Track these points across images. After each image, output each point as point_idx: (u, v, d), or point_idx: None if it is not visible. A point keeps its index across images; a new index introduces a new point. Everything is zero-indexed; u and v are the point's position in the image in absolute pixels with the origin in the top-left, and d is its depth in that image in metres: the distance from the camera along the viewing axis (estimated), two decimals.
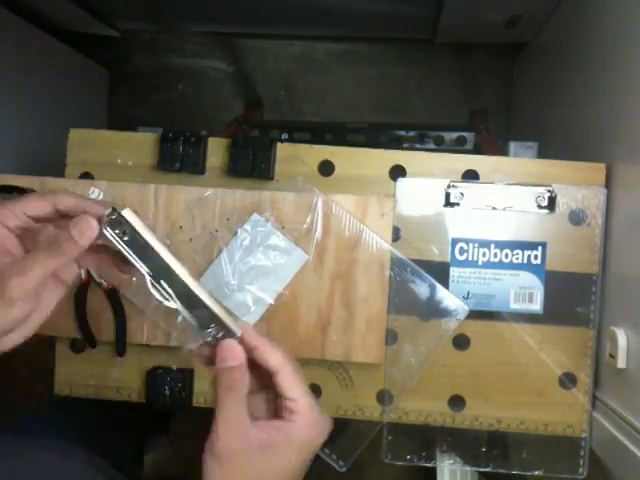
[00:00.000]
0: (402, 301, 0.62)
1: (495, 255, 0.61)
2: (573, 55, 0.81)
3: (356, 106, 1.23)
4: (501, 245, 0.61)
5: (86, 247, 0.37)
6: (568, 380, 0.61)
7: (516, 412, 0.61)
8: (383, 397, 0.63)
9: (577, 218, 0.60)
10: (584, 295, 0.60)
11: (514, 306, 0.61)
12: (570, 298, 0.61)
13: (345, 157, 0.63)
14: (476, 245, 0.61)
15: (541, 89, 0.99)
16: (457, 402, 0.62)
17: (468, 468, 0.97)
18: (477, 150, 0.91)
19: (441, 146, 0.92)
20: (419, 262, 0.61)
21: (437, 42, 1.12)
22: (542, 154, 0.70)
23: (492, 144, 0.89)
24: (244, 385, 0.40)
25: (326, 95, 1.24)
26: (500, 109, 1.19)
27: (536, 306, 0.61)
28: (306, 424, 0.40)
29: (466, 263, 0.62)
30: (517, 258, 0.61)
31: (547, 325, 0.61)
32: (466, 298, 0.61)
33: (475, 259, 0.61)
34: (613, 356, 0.56)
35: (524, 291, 0.61)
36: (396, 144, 0.92)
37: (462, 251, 0.62)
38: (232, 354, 0.40)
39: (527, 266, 0.61)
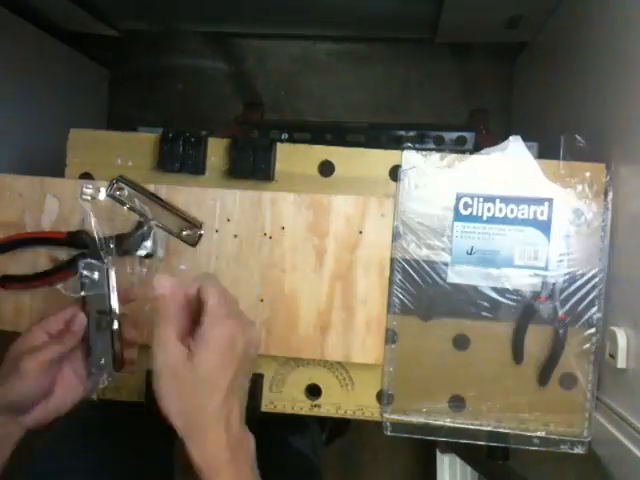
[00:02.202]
0: (402, 301, 0.62)
1: (500, 210, 0.61)
2: (573, 55, 0.81)
3: (356, 106, 1.23)
4: (506, 200, 0.61)
5: (80, 334, 0.52)
6: (568, 380, 0.61)
7: (516, 412, 0.61)
8: (383, 397, 0.63)
9: (577, 218, 0.60)
10: (584, 295, 0.60)
11: (518, 262, 0.61)
12: (570, 298, 0.60)
13: (345, 157, 0.63)
14: (481, 200, 0.61)
15: (541, 89, 0.99)
16: (457, 402, 0.62)
17: (468, 468, 0.98)
18: (477, 150, 0.91)
19: (441, 146, 0.92)
20: (419, 262, 0.61)
21: (437, 42, 1.12)
22: (542, 154, 0.70)
23: (492, 144, 0.89)
24: (173, 314, 0.45)
25: (326, 95, 1.24)
26: (500, 109, 1.19)
27: (541, 263, 0.60)
28: (211, 323, 0.44)
29: (470, 218, 0.61)
30: (523, 214, 0.61)
31: (547, 325, 0.61)
32: (469, 254, 0.61)
33: (479, 214, 0.61)
34: (613, 356, 0.56)
35: (529, 247, 0.61)
36: (396, 144, 0.92)
37: (466, 206, 0.61)
38: (161, 284, 0.45)
39: (533, 222, 0.61)
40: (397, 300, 0.62)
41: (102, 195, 0.62)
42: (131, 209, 0.61)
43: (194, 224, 0.61)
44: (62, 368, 0.52)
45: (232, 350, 0.44)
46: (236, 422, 0.44)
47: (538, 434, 0.61)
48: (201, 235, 0.61)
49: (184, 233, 0.61)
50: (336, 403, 0.63)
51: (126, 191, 0.61)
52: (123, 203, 0.61)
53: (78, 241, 0.59)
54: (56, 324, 0.53)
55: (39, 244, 0.61)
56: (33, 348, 0.50)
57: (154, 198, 0.61)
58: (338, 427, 1.08)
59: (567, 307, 0.60)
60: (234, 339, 0.45)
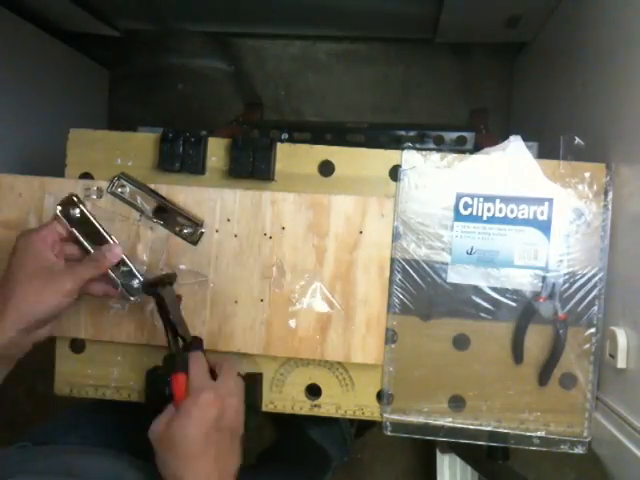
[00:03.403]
0: (402, 301, 0.62)
1: (500, 210, 0.61)
2: (573, 55, 0.81)
3: (356, 106, 1.23)
4: (506, 200, 0.61)
5: (114, 263, 0.55)
6: (568, 380, 0.61)
7: (516, 412, 0.61)
8: (383, 397, 0.63)
9: (577, 218, 0.60)
10: (584, 295, 0.60)
11: (518, 262, 0.61)
12: (570, 298, 0.60)
13: (345, 157, 0.63)
14: (481, 200, 0.61)
15: (541, 89, 0.99)
16: (457, 402, 0.62)
17: (468, 468, 0.98)
18: (477, 150, 0.91)
19: (441, 146, 0.92)
20: (419, 262, 0.61)
21: (437, 42, 1.12)
22: (542, 154, 0.70)
23: (492, 144, 0.89)
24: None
25: (326, 95, 1.24)
26: (500, 109, 1.19)
27: (541, 263, 0.60)
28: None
29: (470, 218, 0.61)
30: (523, 214, 0.61)
31: (547, 325, 0.61)
32: (470, 254, 0.61)
33: (479, 214, 0.61)
34: (613, 356, 0.56)
35: (529, 247, 0.60)
36: (396, 144, 0.92)
37: (466, 206, 0.61)
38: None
39: (533, 222, 0.60)
40: (397, 300, 0.61)
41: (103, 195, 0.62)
42: (132, 206, 0.61)
43: (195, 222, 0.61)
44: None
45: (213, 422, 0.49)
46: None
47: (538, 434, 0.61)
48: (202, 233, 0.61)
49: (185, 231, 0.61)
50: (336, 403, 0.63)
51: (128, 188, 0.61)
52: (125, 200, 0.61)
53: None
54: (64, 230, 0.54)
55: None
56: (75, 266, 0.52)
57: (156, 196, 0.61)
58: (366, 420, 1.09)
59: (567, 307, 0.60)
60: (216, 410, 0.50)
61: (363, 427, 1.08)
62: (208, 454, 0.48)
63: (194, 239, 0.61)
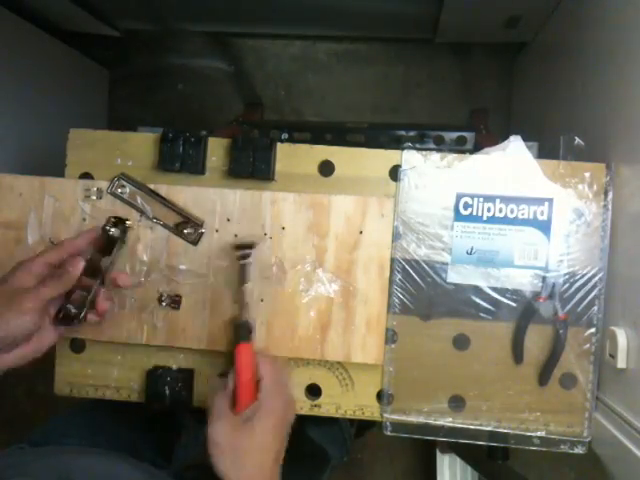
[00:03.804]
0: (402, 301, 0.62)
1: (500, 210, 0.61)
2: (573, 55, 0.81)
3: (356, 106, 1.23)
4: (506, 200, 0.61)
5: (77, 276, 0.54)
6: (568, 380, 0.61)
7: (516, 412, 0.61)
8: (383, 397, 0.63)
9: (577, 218, 0.60)
10: (584, 295, 0.60)
11: (518, 262, 0.61)
12: (570, 298, 0.60)
13: (345, 157, 0.63)
14: (481, 200, 0.61)
15: (541, 89, 0.99)
16: (457, 402, 0.62)
17: (468, 468, 0.98)
18: (477, 150, 0.91)
19: (441, 146, 0.92)
20: (419, 262, 0.61)
21: (437, 42, 1.12)
22: (542, 154, 0.70)
23: (492, 144, 0.89)
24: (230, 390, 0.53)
25: (326, 95, 1.24)
26: (500, 109, 1.19)
27: (541, 263, 0.60)
28: (267, 397, 0.52)
29: (470, 218, 0.61)
30: (523, 213, 0.61)
31: (547, 325, 0.61)
32: (470, 254, 0.61)
33: (480, 214, 0.61)
34: (613, 356, 0.56)
35: (529, 247, 0.60)
36: (396, 144, 0.92)
37: (466, 206, 0.61)
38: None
39: (532, 222, 0.60)
40: (397, 300, 0.61)
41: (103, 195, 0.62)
42: (132, 206, 0.61)
43: (195, 222, 0.61)
44: (49, 309, 0.54)
45: (281, 421, 0.52)
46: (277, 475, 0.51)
47: (538, 434, 0.61)
48: (202, 233, 0.61)
49: (185, 231, 0.61)
50: (336, 403, 0.63)
51: (127, 188, 0.62)
52: (124, 200, 0.61)
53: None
54: (57, 257, 0.55)
55: None
56: (36, 283, 0.52)
57: (156, 196, 0.61)
58: (366, 420, 1.09)
59: (567, 307, 0.60)
60: (284, 412, 0.53)
61: (363, 427, 1.08)
62: (274, 458, 0.50)
63: (194, 239, 0.61)
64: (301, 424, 0.86)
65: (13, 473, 0.49)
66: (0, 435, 1.20)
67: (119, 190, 0.62)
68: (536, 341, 0.61)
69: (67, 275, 0.54)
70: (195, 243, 0.61)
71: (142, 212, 0.61)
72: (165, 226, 0.61)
